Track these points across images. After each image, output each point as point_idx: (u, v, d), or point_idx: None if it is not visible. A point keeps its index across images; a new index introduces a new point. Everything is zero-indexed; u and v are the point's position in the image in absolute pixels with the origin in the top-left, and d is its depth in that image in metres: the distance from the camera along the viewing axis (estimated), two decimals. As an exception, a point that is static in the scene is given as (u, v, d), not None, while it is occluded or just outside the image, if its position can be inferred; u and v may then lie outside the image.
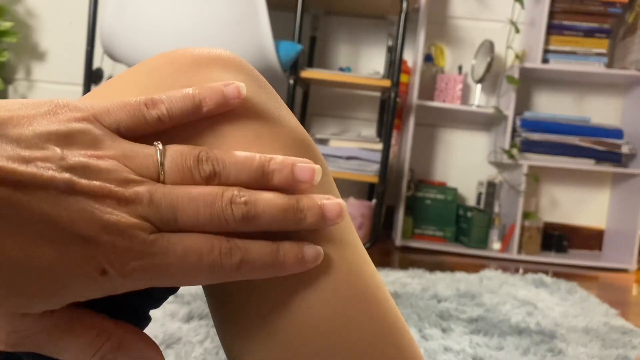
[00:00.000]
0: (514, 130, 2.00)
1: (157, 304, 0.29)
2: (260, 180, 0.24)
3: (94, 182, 0.21)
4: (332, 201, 0.25)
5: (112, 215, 0.21)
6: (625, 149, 1.94)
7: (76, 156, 0.21)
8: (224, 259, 0.22)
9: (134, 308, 0.27)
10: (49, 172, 0.20)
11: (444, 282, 1.39)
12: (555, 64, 1.97)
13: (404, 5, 1.68)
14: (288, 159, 0.25)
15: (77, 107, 0.23)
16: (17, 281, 0.19)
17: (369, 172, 1.76)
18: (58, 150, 0.21)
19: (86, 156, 0.21)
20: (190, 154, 0.23)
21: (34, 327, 0.21)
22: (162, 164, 0.23)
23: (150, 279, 0.22)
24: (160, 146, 0.23)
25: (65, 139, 0.21)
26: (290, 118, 0.28)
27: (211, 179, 0.23)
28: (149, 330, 0.88)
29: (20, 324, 0.21)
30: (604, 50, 1.97)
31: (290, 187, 0.25)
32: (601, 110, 2.16)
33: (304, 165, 0.25)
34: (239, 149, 0.25)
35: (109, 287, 0.21)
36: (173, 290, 0.30)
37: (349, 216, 0.29)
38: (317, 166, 0.25)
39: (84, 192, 0.20)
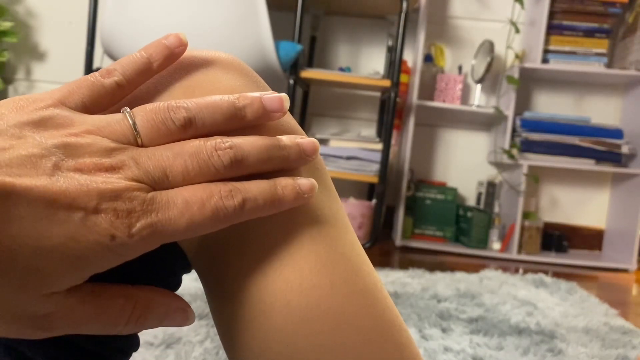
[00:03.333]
0: (513, 130, 2.00)
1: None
2: (235, 119, 0.25)
3: (79, 158, 0.21)
4: (305, 139, 0.26)
5: (106, 183, 0.21)
6: (625, 149, 1.94)
7: (55, 137, 0.22)
8: (226, 201, 0.23)
9: None
10: (35, 153, 0.20)
11: (443, 282, 1.39)
12: (555, 64, 1.97)
13: (404, 5, 1.68)
14: (254, 93, 0.26)
15: (40, 97, 0.23)
16: (35, 264, 0.20)
17: (369, 172, 1.76)
18: (36, 136, 0.21)
19: (63, 136, 0.22)
20: (160, 107, 0.24)
21: (63, 306, 0.21)
22: (134, 125, 0.23)
23: (159, 236, 0.22)
24: (128, 109, 0.24)
25: (39, 125, 0.22)
26: (288, 119, 0.28)
27: (187, 126, 0.24)
28: (149, 330, 0.88)
29: (50, 305, 0.21)
30: (604, 50, 1.97)
31: (264, 119, 0.26)
32: (601, 110, 2.17)
33: (271, 96, 0.26)
34: None
35: (122, 252, 0.21)
36: (175, 288, 0.30)
37: (346, 215, 0.29)
38: (284, 94, 0.26)
39: (73, 169, 0.21)
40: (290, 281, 0.25)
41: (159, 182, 0.22)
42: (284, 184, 0.24)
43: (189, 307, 0.26)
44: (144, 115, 0.23)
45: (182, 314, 0.25)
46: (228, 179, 0.24)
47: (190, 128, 0.24)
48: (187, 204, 0.22)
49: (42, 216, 0.20)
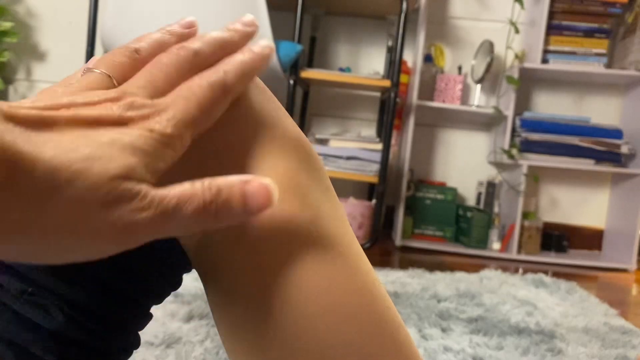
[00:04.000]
0: (513, 131, 2.01)
1: (159, 300, 0.30)
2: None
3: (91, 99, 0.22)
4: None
5: (119, 105, 0.22)
6: (624, 149, 1.94)
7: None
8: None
9: (137, 304, 0.28)
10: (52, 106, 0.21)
11: (443, 282, 1.39)
12: (555, 64, 1.97)
13: (404, 5, 1.68)
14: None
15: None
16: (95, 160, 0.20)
17: (369, 172, 1.76)
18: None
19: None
20: (115, 49, 0.26)
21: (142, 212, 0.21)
22: (103, 72, 0.24)
23: (182, 125, 0.23)
24: (90, 66, 0.25)
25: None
26: (287, 119, 0.29)
27: (138, 52, 0.25)
28: (149, 329, 0.88)
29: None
30: (603, 51, 1.98)
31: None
32: (601, 111, 2.17)
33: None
34: (237, 149, 0.26)
35: (166, 142, 0.22)
36: (175, 287, 0.30)
37: (345, 215, 0.30)
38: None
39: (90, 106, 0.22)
40: (291, 280, 0.25)
41: (154, 92, 0.23)
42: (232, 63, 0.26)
43: (269, 180, 0.23)
44: (104, 60, 0.25)
45: (263, 191, 0.22)
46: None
47: (140, 53, 0.25)
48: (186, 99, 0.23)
49: (86, 134, 0.20)
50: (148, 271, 0.27)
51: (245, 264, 0.26)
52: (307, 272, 0.25)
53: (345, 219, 0.29)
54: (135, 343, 0.30)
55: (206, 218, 0.21)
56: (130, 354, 0.30)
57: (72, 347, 0.26)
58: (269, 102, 0.28)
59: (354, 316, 0.26)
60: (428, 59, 2.11)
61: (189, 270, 0.30)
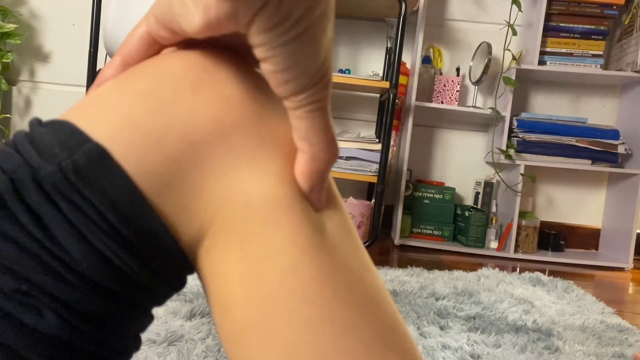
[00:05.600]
0: (510, 131, 2.02)
1: (160, 301, 0.29)
2: None
3: None
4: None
5: None
6: (621, 149, 1.96)
7: None
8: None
9: (136, 305, 0.27)
10: None
11: (442, 281, 1.40)
12: (552, 66, 1.99)
13: (403, 7, 1.69)
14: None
15: None
16: None
17: (368, 172, 1.77)
18: None
19: None
20: None
21: None
22: None
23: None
24: None
25: None
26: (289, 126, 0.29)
27: None
28: (151, 328, 0.89)
29: None
30: (600, 52, 1.99)
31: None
32: (597, 111, 2.18)
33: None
34: (241, 147, 0.26)
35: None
36: (177, 288, 0.30)
37: (350, 221, 0.30)
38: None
39: None
40: (292, 289, 0.25)
41: None
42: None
43: None
44: None
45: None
46: None
47: None
48: None
49: None
50: (150, 273, 0.26)
51: (246, 272, 0.25)
52: (311, 282, 0.25)
53: (351, 225, 0.29)
54: (135, 345, 0.29)
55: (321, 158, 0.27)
56: (129, 356, 0.29)
57: (66, 351, 0.25)
58: (272, 102, 0.28)
59: (357, 328, 0.26)
60: (426, 60, 2.13)
61: (191, 272, 0.29)
